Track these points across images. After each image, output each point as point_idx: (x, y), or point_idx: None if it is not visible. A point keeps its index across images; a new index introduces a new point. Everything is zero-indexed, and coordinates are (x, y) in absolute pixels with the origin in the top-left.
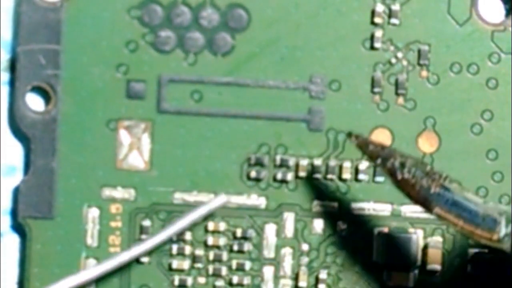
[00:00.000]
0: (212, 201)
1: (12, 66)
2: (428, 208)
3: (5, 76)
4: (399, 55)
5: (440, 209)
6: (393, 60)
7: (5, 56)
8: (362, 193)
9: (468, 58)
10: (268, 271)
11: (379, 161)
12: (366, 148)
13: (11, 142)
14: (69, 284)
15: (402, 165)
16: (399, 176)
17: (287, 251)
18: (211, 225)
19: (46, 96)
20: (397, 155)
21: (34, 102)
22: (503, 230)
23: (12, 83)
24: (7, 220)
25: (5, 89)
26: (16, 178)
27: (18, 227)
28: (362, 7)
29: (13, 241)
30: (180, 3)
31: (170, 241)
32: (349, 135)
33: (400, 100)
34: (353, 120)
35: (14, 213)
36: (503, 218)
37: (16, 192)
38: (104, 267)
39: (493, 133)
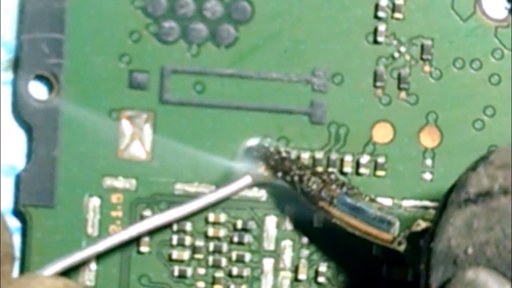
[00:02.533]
0: (238, 182)
1: (15, 55)
2: (329, 214)
3: (5, 76)
4: (402, 49)
5: (340, 213)
6: (396, 55)
7: (6, 56)
8: (363, 186)
9: (471, 53)
10: (268, 263)
11: (279, 174)
12: (267, 160)
13: (12, 141)
14: (70, 261)
15: (300, 178)
16: (299, 189)
17: (287, 244)
18: (211, 216)
19: (49, 85)
20: (295, 168)
21: (37, 91)
22: (396, 232)
23: (15, 71)
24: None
25: (6, 89)
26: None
27: (19, 215)
28: (366, 1)
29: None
30: None
31: (171, 231)
32: (250, 148)
33: (403, 94)
34: (355, 114)
35: (15, 201)
36: (397, 220)
37: (18, 180)
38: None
39: (495, 129)
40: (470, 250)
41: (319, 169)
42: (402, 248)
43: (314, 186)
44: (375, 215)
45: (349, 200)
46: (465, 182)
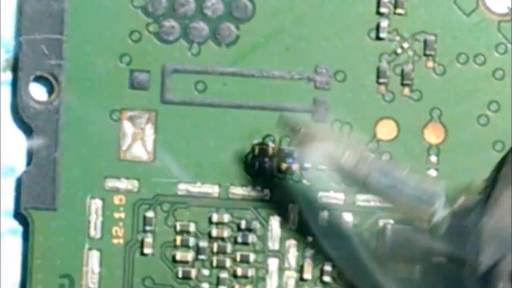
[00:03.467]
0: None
1: (15, 57)
2: (367, 188)
3: (4, 76)
4: (405, 45)
5: (378, 187)
6: (399, 51)
7: (4, 56)
8: None
9: (475, 48)
10: (272, 263)
11: (313, 148)
12: (298, 133)
13: (11, 142)
14: None
15: (335, 152)
16: (333, 164)
17: (291, 243)
18: (215, 217)
19: (49, 86)
20: (329, 140)
21: (37, 92)
22: (438, 210)
23: (15, 73)
24: (7, 221)
25: (6, 89)
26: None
27: (21, 218)
28: None
29: (13, 241)
30: None
31: (174, 232)
32: (281, 118)
33: (406, 91)
34: (358, 111)
35: (17, 204)
36: (439, 198)
37: (19, 183)
38: None
39: (499, 124)
40: None
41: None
42: (443, 228)
43: (349, 162)
44: (413, 192)
45: (385, 176)
46: None
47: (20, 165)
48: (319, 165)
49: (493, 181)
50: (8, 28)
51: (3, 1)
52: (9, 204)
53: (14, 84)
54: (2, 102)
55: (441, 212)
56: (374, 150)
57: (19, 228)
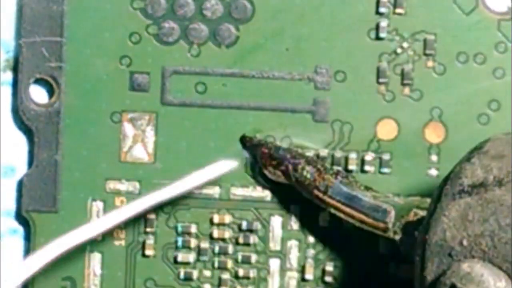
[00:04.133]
0: (222, 165)
1: (15, 59)
2: (324, 203)
3: (4, 76)
4: (405, 45)
5: (335, 202)
6: (399, 50)
7: (4, 56)
8: (368, 184)
9: (475, 47)
10: (274, 264)
11: (274, 163)
12: (258, 151)
13: (11, 142)
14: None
15: (295, 168)
16: (293, 178)
17: (293, 244)
18: (216, 218)
19: (49, 88)
20: (289, 157)
21: (38, 95)
22: (391, 221)
23: (15, 75)
24: (7, 221)
25: (5, 89)
26: (16, 179)
27: (22, 221)
28: None
29: (12, 242)
30: None
31: (176, 234)
32: (243, 137)
33: (406, 90)
34: (359, 111)
35: (18, 206)
36: (392, 209)
37: (20, 185)
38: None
39: (500, 123)
40: (465, 242)
41: (313, 157)
42: (397, 237)
43: (309, 176)
44: (370, 203)
45: (344, 188)
46: (460, 173)
47: (20, 165)
48: (280, 181)
49: (436, 198)
50: (8, 28)
51: (3, 1)
52: (9, 204)
53: (15, 86)
54: (2, 102)
55: (395, 222)
56: (375, 150)
57: (19, 228)
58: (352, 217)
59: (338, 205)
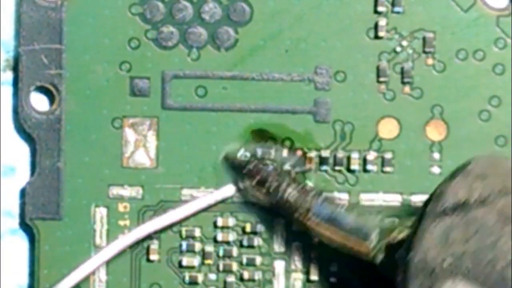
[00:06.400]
0: (220, 191)
1: (15, 67)
2: (304, 225)
3: (5, 76)
4: (404, 43)
5: (315, 224)
6: (398, 49)
7: (4, 56)
8: (371, 183)
9: (474, 44)
10: (279, 266)
11: (254, 183)
12: (241, 171)
13: (11, 142)
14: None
15: (276, 189)
16: (274, 200)
17: (297, 245)
18: (220, 221)
19: (50, 96)
20: (271, 179)
21: (38, 102)
22: (373, 243)
23: (15, 83)
24: (7, 221)
25: (5, 89)
26: (16, 178)
27: (26, 229)
28: None
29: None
30: None
31: (180, 238)
32: (226, 158)
33: (407, 89)
34: (359, 111)
35: (21, 215)
36: (373, 231)
37: (23, 193)
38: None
39: (501, 119)
40: (447, 262)
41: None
42: (378, 260)
43: (290, 197)
44: (351, 225)
45: (325, 211)
46: (442, 193)
47: (20, 166)
48: (262, 201)
49: (420, 217)
50: (8, 28)
51: (3, 1)
52: (9, 204)
53: (15, 95)
54: (2, 102)
55: (376, 244)
56: (377, 149)
57: (19, 228)
58: (333, 240)
59: (319, 227)
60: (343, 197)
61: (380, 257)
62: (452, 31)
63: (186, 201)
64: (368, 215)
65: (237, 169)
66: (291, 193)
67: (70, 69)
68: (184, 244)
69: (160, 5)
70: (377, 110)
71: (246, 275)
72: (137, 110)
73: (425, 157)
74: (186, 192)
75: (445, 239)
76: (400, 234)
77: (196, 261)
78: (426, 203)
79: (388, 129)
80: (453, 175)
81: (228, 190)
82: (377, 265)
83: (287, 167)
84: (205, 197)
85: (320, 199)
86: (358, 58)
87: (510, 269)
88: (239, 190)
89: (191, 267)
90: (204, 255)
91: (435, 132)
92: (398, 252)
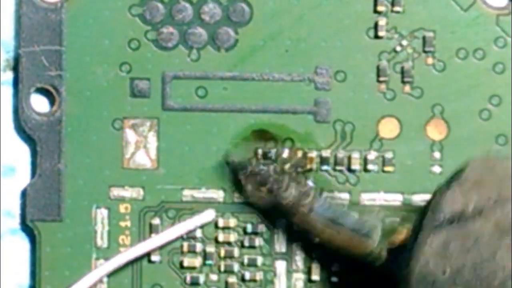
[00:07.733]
0: (200, 216)
1: (15, 68)
2: (306, 224)
3: (4, 76)
4: (404, 43)
5: (317, 223)
6: (398, 48)
7: (4, 56)
8: (371, 183)
9: (474, 43)
10: (280, 266)
11: (255, 183)
12: (243, 172)
13: (11, 143)
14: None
15: (278, 189)
16: (275, 200)
17: (298, 245)
18: (221, 222)
19: (50, 97)
20: (273, 177)
21: (39, 104)
22: (375, 243)
23: (15, 85)
24: (7, 221)
25: (5, 89)
26: (16, 178)
27: (27, 231)
28: None
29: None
30: None
31: (181, 239)
32: (226, 158)
33: (407, 88)
34: (360, 110)
35: (22, 216)
36: (375, 229)
37: (24, 195)
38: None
39: (502, 118)
40: (448, 273)
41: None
42: (380, 259)
43: (291, 198)
44: (352, 226)
45: (326, 211)
46: (440, 203)
47: (20, 166)
48: (263, 202)
49: (417, 229)
50: (8, 29)
51: (3, 1)
52: (9, 204)
53: (15, 96)
54: (2, 102)
55: (378, 244)
56: (378, 149)
57: (19, 228)
58: (335, 239)
59: (321, 226)
60: (344, 197)
61: (381, 257)
62: (452, 30)
63: (186, 202)
64: (369, 215)
65: (238, 170)
66: (292, 193)
67: (70, 70)
68: (185, 245)
69: (160, 6)
70: (377, 109)
71: (247, 275)
72: (137, 111)
73: (425, 157)
74: (187, 192)
75: (445, 251)
76: (401, 234)
77: (197, 262)
78: (425, 212)
79: (388, 128)
80: (449, 183)
81: (208, 215)
82: (378, 265)
83: (287, 167)
84: (185, 223)
85: (321, 199)
86: (358, 58)
87: (510, 283)
88: (240, 190)
89: (192, 268)
90: (205, 255)
91: (435, 131)
92: (398, 261)
